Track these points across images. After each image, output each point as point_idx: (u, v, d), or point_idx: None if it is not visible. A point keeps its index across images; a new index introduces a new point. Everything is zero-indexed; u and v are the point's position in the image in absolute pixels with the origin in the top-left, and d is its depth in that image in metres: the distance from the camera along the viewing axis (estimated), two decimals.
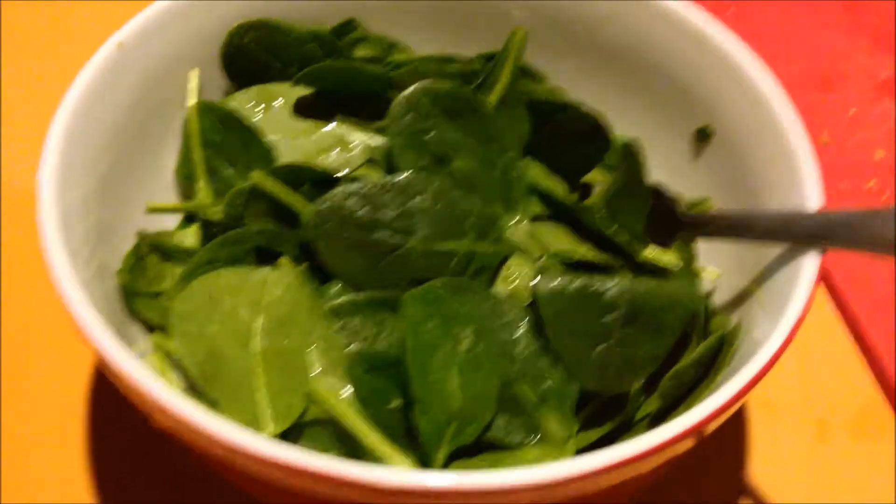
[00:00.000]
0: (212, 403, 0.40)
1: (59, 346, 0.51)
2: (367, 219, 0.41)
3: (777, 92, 0.42)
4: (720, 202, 0.46)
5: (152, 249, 0.45)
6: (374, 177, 0.44)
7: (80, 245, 0.39)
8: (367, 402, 0.38)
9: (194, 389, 0.41)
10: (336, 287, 0.41)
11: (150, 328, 0.42)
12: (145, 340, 0.42)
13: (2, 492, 0.44)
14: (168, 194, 0.48)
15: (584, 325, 0.40)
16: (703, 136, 0.47)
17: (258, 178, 0.42)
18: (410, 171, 0.41)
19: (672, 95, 0.48)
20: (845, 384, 0.51)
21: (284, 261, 0.43)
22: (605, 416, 0.41)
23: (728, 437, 0.49)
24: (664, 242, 0.43)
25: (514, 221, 0.44)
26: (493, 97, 0.46)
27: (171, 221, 0.47)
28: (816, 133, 0.60)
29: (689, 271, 0.44)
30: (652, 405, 0.40)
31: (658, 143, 0.48)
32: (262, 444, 0.31)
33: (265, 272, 0.41)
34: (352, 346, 0.39)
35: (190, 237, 0.47)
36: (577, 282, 0.40)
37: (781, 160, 0.41)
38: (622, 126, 0.49)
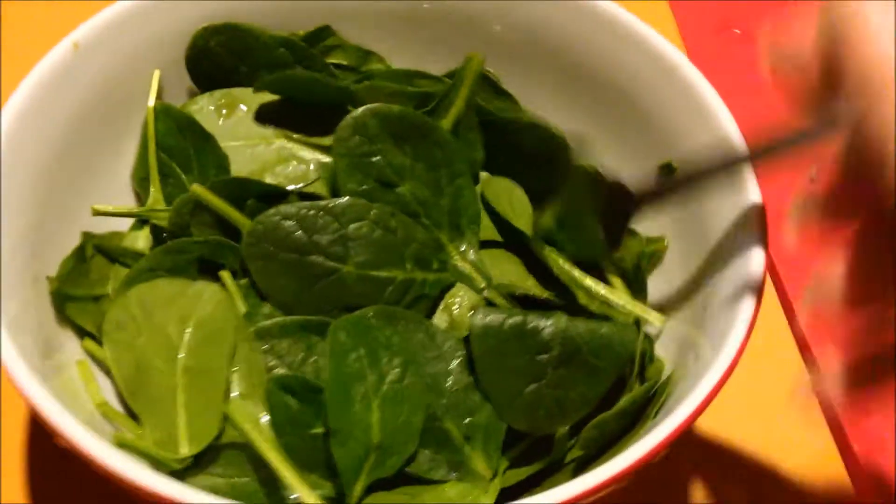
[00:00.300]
0: (135, 417, 0.40)
1: None
2: (302, 241, 0.40)
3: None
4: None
5: (98, 251, 0.45)
6: (323, 194, 0.44)
7: (16, 246, 0.39)
8: (284, 428, 0.38)
9: (122, 399, 0.41)
10: (267, 308, 0.40)
11: (84, 333, 0.42)
12: (76, 346, 0.42)
13: (2, 492, 0.44)
14: (126, 196, 0.48)
15: (516, 363, 0.39)
16: (667, 171, 0.45)
17: (198, 190, 0.41)
18: (348, 197, 0.40)
19: (636, 121, 0.47)
20: None
21: (225, 274, 0.42)
22: (534, 456, 0.40)
23: None
24: (618, 235, 0.40)
25: (462, 249, 0.43)
26: (447, 122, 0.44)
27: (125, 223, 0.47)
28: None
29: (635, 314, 0.43)
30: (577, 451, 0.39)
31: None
32: (154, 483, 0.30)
33: (201, 286, 0.41)
34: (276, 369, 0.39)
35: (141, 240, 0.46)
36: (513, 319, 0.39)
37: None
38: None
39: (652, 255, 0.45)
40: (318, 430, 0.38)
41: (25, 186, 0.41)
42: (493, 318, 0.39)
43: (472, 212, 0.43)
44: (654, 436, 0.33)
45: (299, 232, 0.40)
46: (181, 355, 0.39)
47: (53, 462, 0.45)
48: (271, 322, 0.39)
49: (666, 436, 0.33)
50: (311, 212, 0.40)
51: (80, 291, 0.43)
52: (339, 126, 0.42)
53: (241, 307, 0.40)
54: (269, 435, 0.37)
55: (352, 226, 0.40)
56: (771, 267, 0.55)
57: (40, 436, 0.46)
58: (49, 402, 0.32)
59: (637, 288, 0.44)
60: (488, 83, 0.51)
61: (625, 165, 0.47)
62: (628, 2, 0.47)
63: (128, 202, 0.48)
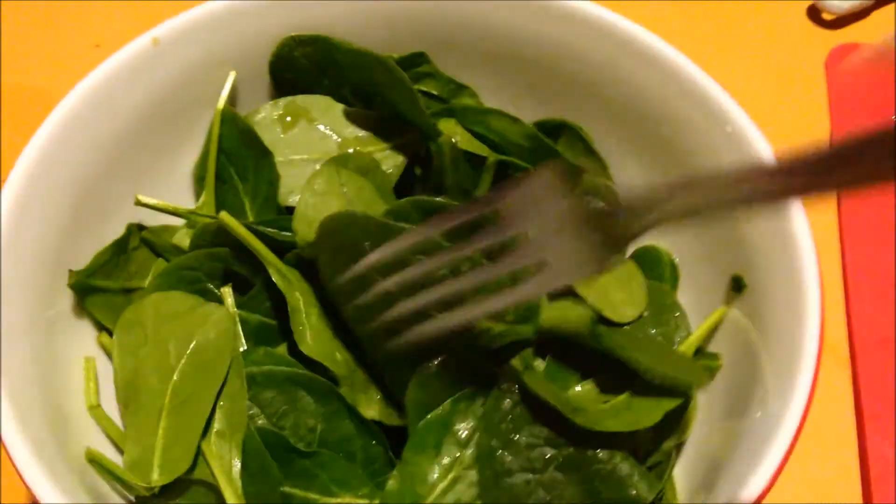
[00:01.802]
0: (125, 425, 0.40)
1: None
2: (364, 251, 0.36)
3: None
4: None
5: (145, 243, 0.45)
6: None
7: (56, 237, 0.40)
8: (255, 478, 0.36)
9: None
10: (262, 351, 0.39)
11: (102, 328, 0.42)
12: (92, 340, 0.42)
13: (1, 492, 0.44)
14: (185, 195, 0.47)
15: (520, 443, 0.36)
16: (737, 286, 0.41)
17: (225, 218, 0.40)
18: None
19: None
20: None
21: (226, 294, 0.41)
22: None
23: None
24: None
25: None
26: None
27: (179, 220, 0.47)
28: None
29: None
30: None
31: None
32: None
33: (210, 308, 0.39)
34: (256, 418, 0.37)
35: (188, 239, 0.46)
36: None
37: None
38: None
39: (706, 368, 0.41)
40: (287, 488, 0.37)
41: (76, 178, 0.41)
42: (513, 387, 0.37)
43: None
44: None
45: (365, 242, 0.37)
46: (175, 378, 0.38)
47: None
48: (258, 369, 0.38)
49: None
50: (381, 227, 0.37)
51: (112, 283, 0.43)
52: (313, 241, 0.39)
53: (242, 342, 0.39)
54: (237, 481, 0.36)
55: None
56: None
57: None
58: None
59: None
60: (579, 140, 0.48)
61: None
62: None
63: (187, 201, 0.47)
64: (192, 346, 0.38)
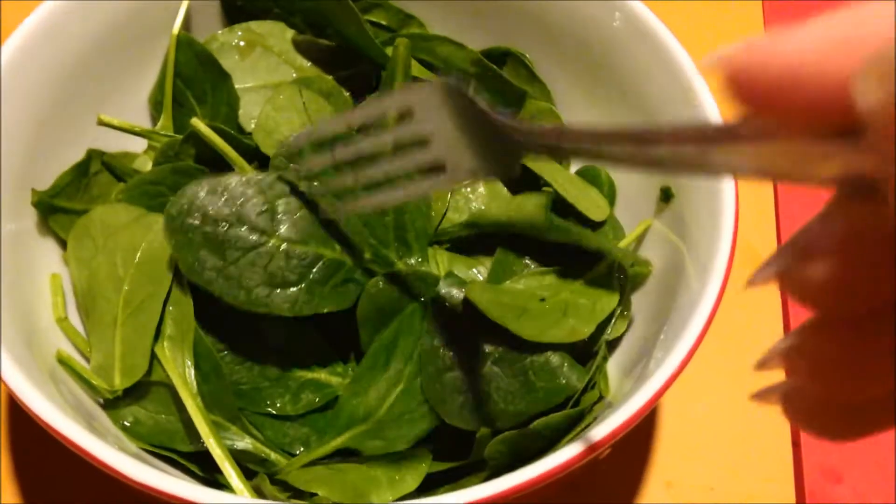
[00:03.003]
0: (88, 335, 0.42)
1: None
2: (227, 213, 0.38)
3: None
4: None
5: (107, 168, 0.47)
6: None
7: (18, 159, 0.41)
8: (208, 377, 0.38)
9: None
10: None
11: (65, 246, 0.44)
12: (57, 258, 0.44)
13: (1, 492, 0.45)
14: (143, 120, 0.49)
15: (462, 342, 0.39)
16: (665, 196, 0.43)
17: (197, 125, 0.41)
18: (276, 174, 0.39)
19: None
20: None
21: None
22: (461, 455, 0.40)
23: None
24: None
25: (410, 263, 0.41)
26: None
27: (140, 146, 0.48)
28: None
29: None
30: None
31: None
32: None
33: (153, 217, 0.41)
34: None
35: (151, 164, 0.48)
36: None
37: None
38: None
39: (635, 277, 0.43)
40: (239, 383, 0.39)
41: (35, 102, 0.42)
42: (451, 291, 0.39)
43: (420, 225, 0.41)
44: (541, 465, 0.32)
45: (223, 204, 0.38)
46: (126, 287, 0.39)
47: (53, 462, 0.46)
48: None
49: (540, 473, 0.32)
50: (238, 185, 0.38)
51: (75, 205, 0.44)
52: (277, 150, 0.40)
53: None
54: (192, 381, 0.38)
55: (279, 201, 0.38)
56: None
57: (41, 436, 0.46)
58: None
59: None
60: (523, 67, 0.50)
61: None
62: None
63: (145, 125, 0.49)
64: (138, 255, 0.40)
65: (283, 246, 0.38)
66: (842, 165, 0.18)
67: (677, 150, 0.21)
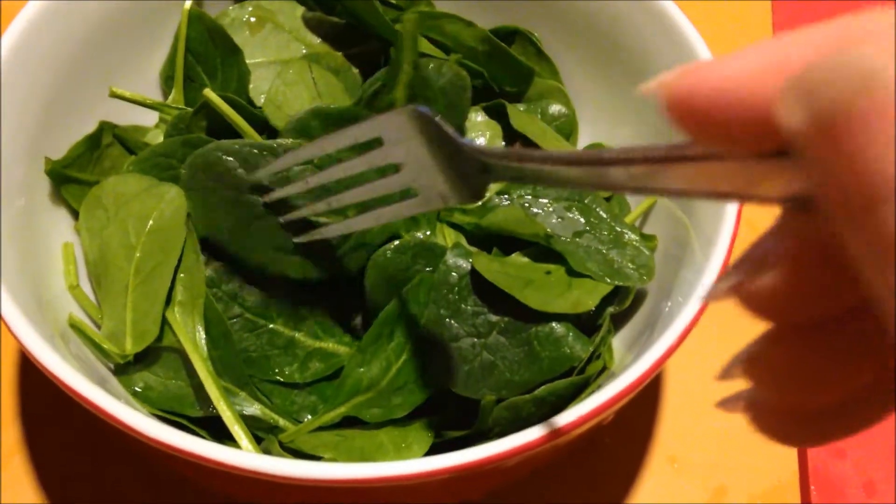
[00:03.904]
0: (99, 302, 0.43)
1: None
2: (241, 178, 0.38)
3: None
4: None
5: (119, 140, 0.47)
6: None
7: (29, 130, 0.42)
8: (217, 342, 0.39)
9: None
10: None
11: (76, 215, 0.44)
12: (69, 227, 0.44)
13: (1, 492, 0.45)
14: (155, 94, 0.49)
15: (466, 310, 0.39)
16: None
17: (210, 96, 0.42)
18: (292, 139, 0.39)
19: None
20: None
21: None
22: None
23: None
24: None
25: (419, 237, 0.42)
26: (400, 91, 0.44)
27: (151, 120, 0.49)
28: None
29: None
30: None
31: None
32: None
33: (165, 188, 0.41)
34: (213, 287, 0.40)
35: (161, 137, 0.48)
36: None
37: None
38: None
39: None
40: (276, 326, 0.40)
41: (47, 76, 0.43)
42: (458, 261, 0.39)
43: None
44: (538, 430, 0.33)
45: (239, 169, 0.39)
46: (137, 255, 0.40)
47: (53, 461, 0.46)
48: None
49: (543, 434, 0.32)
50: (254, 150, 0.39)
51: (87, 176, 0.45)
52: (283, 129, 0.41)
53: None
54: (202, 346, 0.39)
55: (295, 168, 0.39)
56: None
57: (41, 436, 0.47)
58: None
59: None
60: (531, 45, 0.50)
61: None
62: None
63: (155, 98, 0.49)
64: (149, 224, 0.40)
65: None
66: (783, 183, 0.19)
67: (629, 172, 0.23)
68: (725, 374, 0.23)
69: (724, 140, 0.19)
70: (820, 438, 0.23)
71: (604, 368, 0.41)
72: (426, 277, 0.40)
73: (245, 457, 0.31)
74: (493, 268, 0.40)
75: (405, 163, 0.32)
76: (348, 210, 0.38)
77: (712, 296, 0.22)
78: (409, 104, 0.32)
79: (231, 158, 0.39)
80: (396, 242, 0.41)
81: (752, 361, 0.22)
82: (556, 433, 0.33)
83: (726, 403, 0.24)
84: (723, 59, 0.19)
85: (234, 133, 0.44)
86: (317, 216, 0.39)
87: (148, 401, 0.39)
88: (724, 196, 0.21)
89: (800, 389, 0.21)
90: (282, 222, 0.39)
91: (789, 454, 0.48)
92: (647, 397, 0.49)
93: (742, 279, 0.21)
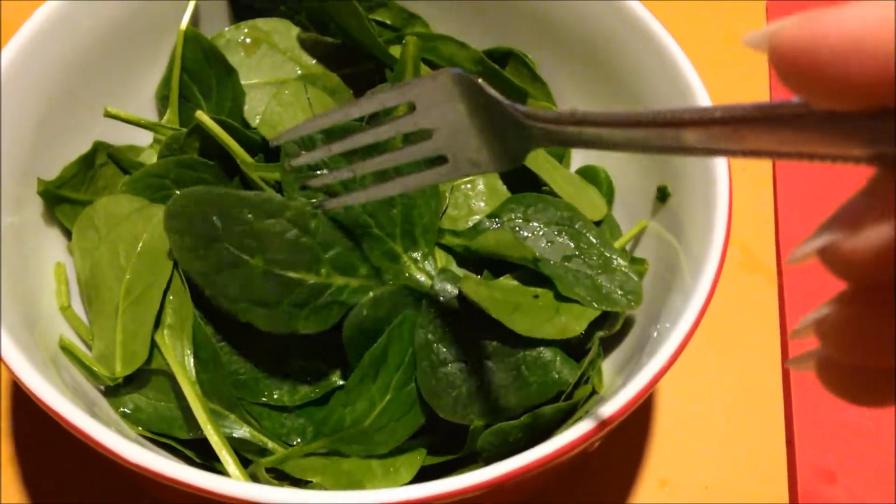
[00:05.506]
0: (90, 323, 0.43)
1: None
2: (215, 226, 0.38)
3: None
4: None
5: (113, 160, 0.47)
6: None
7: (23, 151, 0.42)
8: (206, 366, 0.39)
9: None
10: None
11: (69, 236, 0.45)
12: (62, 247, 0.45)
13: (1, 492, 0.45)
14: (150, 114, 0.50)
15: (455, 335, 0.39)
16: (662, 195, 0.44)
17: (202, 118, 0.42)
18: (270, 192, 0.39)
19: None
20: None
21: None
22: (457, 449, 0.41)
23: None
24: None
25: (416, 257, 0.42)
26: (398, 114, 0.44)
27: (146, 140, 0.49)
28: None
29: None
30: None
31: None
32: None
33: (155, 209, 0.41)
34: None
35: (155, 157, 0.48)
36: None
37: None
38: None
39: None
40: (237, 367, 0.40)
41: (41, 95, 0.43)
42: (446, 286, 0.40)
43: (427, 221, 0.42)
44: (528, 455, 0.33)
45: (215, 217, 0.38)
46: (127, 277, 0.40)
47: (53, 461, 0.46)
48: None
49: (531, 461, 0.33)
50: (229, 199, 0.38)
51: (81, 196, 0.45)
52: (285, 143, 0.40)
53: None
54: (190, 369, 0.39)
55: (267, 220, 0.38)
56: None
57: (41, 436, 0.47)
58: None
59: None
60: (525, 67, 0.50)
61: None
62: None
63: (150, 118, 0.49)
64: (139, 246, 0.40)
65: (264, 268, 0.38)
66: (876, 142, 0.19)
67: (709, 132, 0.22)
68: (798, 333, 0.23)
69: (834, 96, 0.19)
70: (883, 400, 0.23)
71: (593, 392, 0.41)
72: (409, 315, 0.40)
73: (229, 484, 0.31)
74: (480, 291, 0.40)
75: (437, 128, 0.31)
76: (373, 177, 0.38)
77: (796, 258, 0.22)
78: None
79: (208, 206, 0.38)
80: (371, 295, 0.40)
81: (823, 322, 0.22)
82: (544, 459, 0.33)
83: (797, 361, 0.24)
84: (838, 11, 0.18)
85: (226, 154, 0.44)
86: (341, 182, 0.37)
87: (137, 422, 0.39)
88: (812, 156, 0.21)
89: (868, 350, 0.22)
90: (306, 188, 0.39)
91: (780, 477, 0.48)
92: (637, 420, 0.49)
93: (833, 239, 0.21)
